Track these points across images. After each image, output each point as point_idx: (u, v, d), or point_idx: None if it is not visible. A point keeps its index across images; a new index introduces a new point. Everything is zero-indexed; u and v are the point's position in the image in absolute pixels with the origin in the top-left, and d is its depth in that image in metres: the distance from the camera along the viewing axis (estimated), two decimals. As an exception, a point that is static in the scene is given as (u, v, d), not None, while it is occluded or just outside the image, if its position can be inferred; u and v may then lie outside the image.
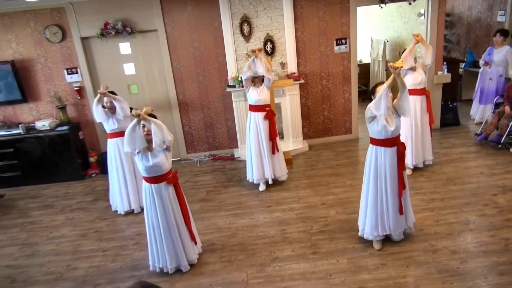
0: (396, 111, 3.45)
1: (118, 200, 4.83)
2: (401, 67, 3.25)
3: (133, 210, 4.84)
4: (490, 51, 6.37)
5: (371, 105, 3.36)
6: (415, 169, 5.09)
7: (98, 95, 4.54)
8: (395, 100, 3.44)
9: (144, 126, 3.34)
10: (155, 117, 3.43)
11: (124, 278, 3.62)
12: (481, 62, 6.52)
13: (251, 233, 4.13)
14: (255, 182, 5.07)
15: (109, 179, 4.89)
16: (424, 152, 5.08)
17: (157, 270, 3.60)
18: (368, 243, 3.71)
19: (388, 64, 3.30)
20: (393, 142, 3.46)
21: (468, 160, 5.29)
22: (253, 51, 4.65)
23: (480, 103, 6.57)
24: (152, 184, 3.39)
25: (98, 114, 4.62)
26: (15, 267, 3.97)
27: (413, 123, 4.88)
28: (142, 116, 3.24)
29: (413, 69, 4.86)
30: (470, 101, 7.11)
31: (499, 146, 5.48)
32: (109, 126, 4.68)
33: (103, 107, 4.66)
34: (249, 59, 5.74)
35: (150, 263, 3.63)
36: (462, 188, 4.57)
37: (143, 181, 3.47)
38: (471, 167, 5.07)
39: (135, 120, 3.28)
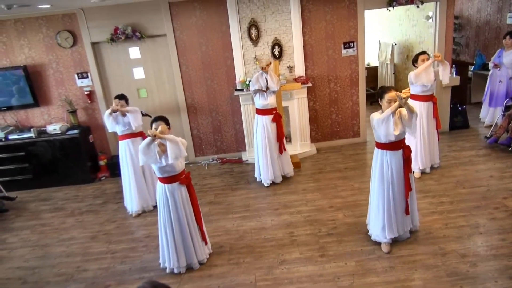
0: (401, 117, 3.44)
1: (129, 201, 4.91)
2: (408, 96, 3.23)
3: (144, 210, 4.93)
4: (500, 53, 6.32)
5: (374, 119, 3.39)
6: (423, 172, 5.07)
7: (110, 109, 4.63)
8: (404, 117, 3.40)
9: (156, 130, 3.41)
10: (167, 120, 3.49)
11: (133, 280, 3.65)
12: (490, 64, 6.48)
13: (259, 235, 4.14)
14: (263, 182, 5.26)
15: (122, 180, 4.96)
16: (431, 156, 5.06)
17: (168, 270, 3.65)
18: (377, 245, 3.70)
19: (395, 93, 3.29)
20: (398, 145, 3.46)
21: (478, 163, 5.24)
22: (262, 68, 4.80)
23: (490, 106, 6.52)
24: (166, 184, 3.49)
25: (110, 125, 4.73)
26: (27, 268, 4.03)
27: (419, 129, 4.86)
28: (158, 136, 3.30)
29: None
30: (479, 104, 7.05)
31: (509, 149, 5.42)
32: (120, 128, 4.75)
33: (114, 111, 4.74)
34: (257, 63, 5.81)
35: (161, 261, 3.70)
36: (471, 191, 4.53)
37: (157, 181, 3.57)
38: (481, 170, 5.03)
39: (149, 138, 3.35)
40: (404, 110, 3.37)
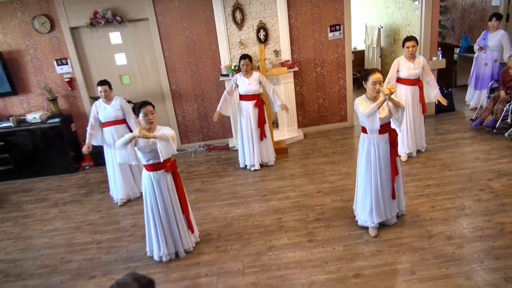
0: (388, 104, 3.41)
1: (114, 189, 4.83)
2: (393, 92, 3.17)
3: (130, 198, 4.85)
4: (485, 36, 6.32)
5: (359, 110, 3.33)
6: (410, 156, 5.08)
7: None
8: (391, 110, 3.36)
9: (146, 115, 3.28)
10: (153, 106, 3.38)
11: (119, 270, 3.58)
12: (475, 47, 6.48)
13: (247, 222, 4.11)
14: (248, 167, 5.27)
15: (107, 168, 4.85)
16: (417, 140, 5.07)
17: (156, 258, 3.60)
18: (364, 230, 3.70)
19: (381, 89, 3.22)
20: (384, 129, 3.42)
21: (464, 145, 5.27)
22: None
23: (475, 89, 6.55)
24: (151, 172, 3.42)
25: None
26: (9, 261, 3.93)
27: (406, 113, 4.84)
28: (148, 136, 3.18)
29: (411, 60, 4.78)
30: (465, 87, 7.08)
31: (494, 131, 5.47)
32: (104, 115, 4.63)
33: (97, 98, 4.65)
34: (242, 48, 5.69)
35: (147, 250, 3.65)
36: (457, 173, 4.56)
37: (143, 169, 3.50)
38: (467, 152, 5.06)
39: (127, 136, 3.26)
40: (392, 113, 3.35)
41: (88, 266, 3.69)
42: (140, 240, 3.99)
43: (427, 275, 3.07)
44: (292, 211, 4.21)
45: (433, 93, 4.93)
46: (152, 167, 3.42)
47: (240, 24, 5.76)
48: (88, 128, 4.68)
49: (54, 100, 5.88)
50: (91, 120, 4.68)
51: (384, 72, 6.64)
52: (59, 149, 5.80)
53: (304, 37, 5.98)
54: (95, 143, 4.75)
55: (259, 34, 5.82)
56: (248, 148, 5.17)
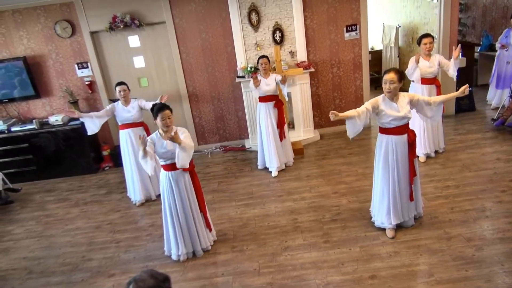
0: (411, 103, 3.40)
1: (132, 191, 4.92)
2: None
3: (148, 199, 4.93)
4: (507, 33, 6.17)
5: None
6: (428, 157, 5.00)
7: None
8: (427, 106, 3.44)
9: (164, 120, 3.36)
10: (170, 109, 3.43)
11: (137, 269, 3.65)
12: (497, 45, 6.33)
13: (263, 222, 4.13)
14: (269, 169, 5.20)
15: (124, 170, 4.95)
16: (435, 141, 4.98)
17: (174, 257, 3.66)
18: (381, 231, 3.67)
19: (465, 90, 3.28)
20: (402, 130, 3.40)
21: (484, 146, 5.15)
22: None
23: (497, 88, 6.39)
24: (169, 172, 3.49)
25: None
26: (32, 258, 4.06)
27: None
28: (179, 141, 3.21)
29: (427, 58, 4.72)
30: (486, 86, 6.92)
31: (517, 131, 5.33)
32: (121, 117, 4.74)
33: (116, 100, 4.75)
34: (258, 49, 5.71)
35: (165, 249, 3.72)
36: (478, 174, 4.46)
37: (161, 169, 3.57)
38: (488, 153, 4.95)
39: (140, 152, 3.31)
40: (419, 96, 3.47)
41: (107, 264, 3.78)
42: (157, 239, 4.06)
43: (445, 277, 3.03)
44: (308, 211, 4.20)
45: (451, 66, 4.63)
46: (171, 167, 3.48)
47: (256, 26, 5.79)
48: (95, 112, 4.77)
49: (75, 102, 6.03)
50: (102, 111, 4.77)
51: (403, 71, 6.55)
52: (80, 150, 5.95)
53: (320, 38, 5.96)
54: (85, 121, 4.76)
55: (274, 36, 5.84)
56: (268, 150, 5.11)
